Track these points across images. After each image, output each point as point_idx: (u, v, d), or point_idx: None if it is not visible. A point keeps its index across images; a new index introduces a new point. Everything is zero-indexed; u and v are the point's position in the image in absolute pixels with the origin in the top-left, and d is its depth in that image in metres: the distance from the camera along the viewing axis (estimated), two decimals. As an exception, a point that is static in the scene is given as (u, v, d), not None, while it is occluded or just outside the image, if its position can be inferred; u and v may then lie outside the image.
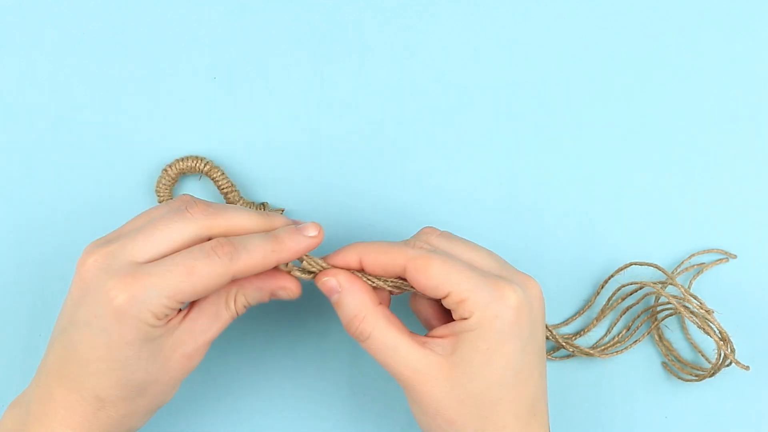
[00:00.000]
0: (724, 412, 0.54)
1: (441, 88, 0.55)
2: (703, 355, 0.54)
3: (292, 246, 0.43)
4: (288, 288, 0.44)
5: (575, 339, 0.54)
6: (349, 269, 0.44)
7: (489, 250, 0.45)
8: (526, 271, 0.45)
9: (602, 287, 0.54)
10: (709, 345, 0.54)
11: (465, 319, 0.41)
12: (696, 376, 0.52)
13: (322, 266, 0.44)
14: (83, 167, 0.53)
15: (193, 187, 0.54)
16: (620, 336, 0.54)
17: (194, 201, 0.42)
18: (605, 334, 0.54)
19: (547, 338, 0.51)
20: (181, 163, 0.52)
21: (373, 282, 0.44)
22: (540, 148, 0.55)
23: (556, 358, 0.54)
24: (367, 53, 0.55)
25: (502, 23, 0.56)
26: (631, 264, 0.54)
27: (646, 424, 0.54)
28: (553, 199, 0.55)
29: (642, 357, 0.54)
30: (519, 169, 0.55)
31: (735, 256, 0.54)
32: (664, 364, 0.54)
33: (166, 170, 0.52)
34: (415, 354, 0.42)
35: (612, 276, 0.54)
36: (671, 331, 0.54)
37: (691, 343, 0.54)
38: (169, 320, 0.41)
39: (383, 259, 0.43)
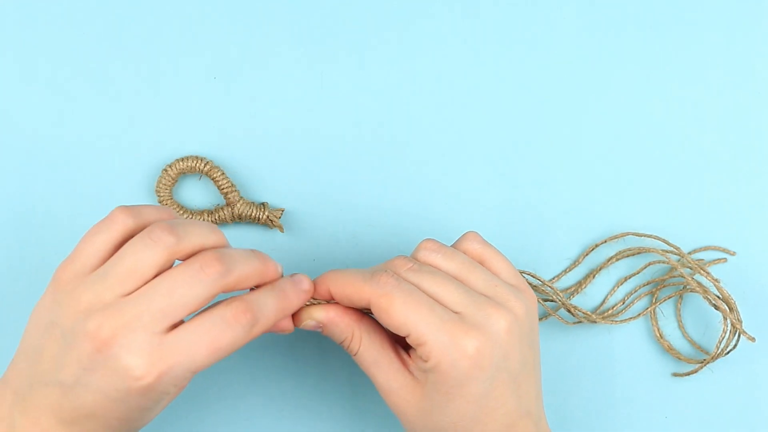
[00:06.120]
0: (723, 409, 0.54)
1: (441, 88, 0.55)
2: (699, 348, 0.54)
3: (296, 303, 0.44)
4: (285, 328, 0.45)
5: (571, 298, 0.53)
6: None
7: (471, 267, 0.44)
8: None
9: (592, 250, 0.54)
10: (705, 341, 0.54)
11: (424, 360, 0.41)
12: (701, 361, 0.52)
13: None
14: (83, 167, 0.53)
15: (193, 187, 0.54)
16: (623, 303, 0.53)
17: (210, 259, 0.40)
18: (603, 302, 0.54)
19: (552, 300, 0.52)
20: (181, 163, 0.52)
21: None
22: (539, 149, 0.55)
23: (568, 322, 0.53)
24: (367, 53, 0.55)
25: (502, 23, 0.56)
26: (627, 234, 0.54)
27: (647, 424, 0.54)
28: (552, 198, 0.55)
29: (641, 353, 0.54)
30: (518, 170, 0.55)
31: (734, 253, 0.55)
32: (673, 374, 0.54)
33: (166, 170, 0.52)
34: (394, 373, 0.43)
35: (605, 241, 0.54)
36: (666, 319, 0.55)
37: (689, 340, 0.54)
38: None
39: (349, 293, 0.43)
